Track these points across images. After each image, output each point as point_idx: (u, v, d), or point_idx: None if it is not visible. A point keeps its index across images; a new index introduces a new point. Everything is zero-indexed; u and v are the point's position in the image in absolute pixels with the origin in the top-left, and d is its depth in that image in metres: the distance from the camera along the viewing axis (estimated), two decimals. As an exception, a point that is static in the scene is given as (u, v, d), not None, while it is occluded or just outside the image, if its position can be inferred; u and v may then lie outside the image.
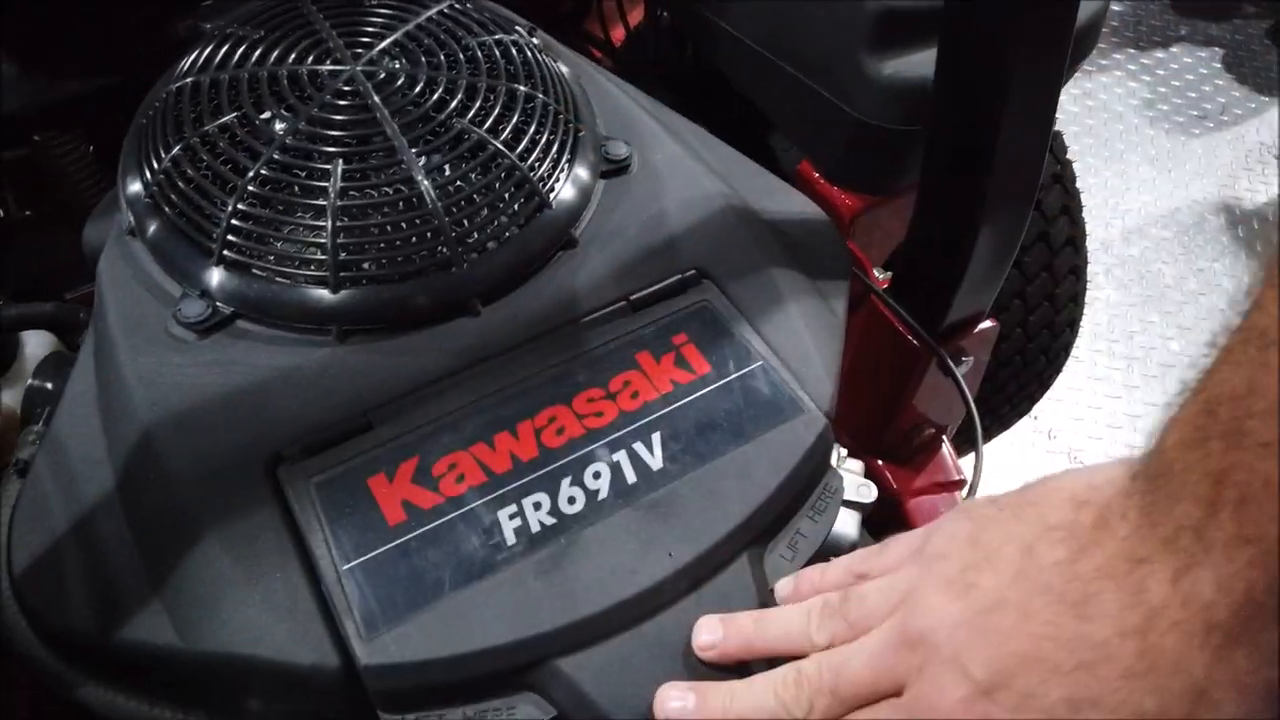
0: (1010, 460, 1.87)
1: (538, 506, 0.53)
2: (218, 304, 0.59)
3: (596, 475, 0.55)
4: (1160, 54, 2.98)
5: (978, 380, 0.99)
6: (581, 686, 0.50)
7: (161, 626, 0.52)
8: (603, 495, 0.54)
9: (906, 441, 1.03)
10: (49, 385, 0.63)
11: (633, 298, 0.62)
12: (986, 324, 0.92)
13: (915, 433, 1.03)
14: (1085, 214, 1.38)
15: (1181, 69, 2.93)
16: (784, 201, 0.75)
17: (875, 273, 0.99)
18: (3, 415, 0.72)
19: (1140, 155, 2.63)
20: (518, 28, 0.70)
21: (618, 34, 1.36)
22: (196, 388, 0.56)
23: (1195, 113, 2.78)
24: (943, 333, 0.89)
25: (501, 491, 0.54)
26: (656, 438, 0.57)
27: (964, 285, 0.83)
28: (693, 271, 0.64)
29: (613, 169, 0.68)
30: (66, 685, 0.53)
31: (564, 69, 0.72)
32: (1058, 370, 1.43)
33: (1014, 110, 0.71)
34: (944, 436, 1.07)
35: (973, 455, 0.87)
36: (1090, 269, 1.41)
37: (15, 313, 0.68)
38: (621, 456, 0.56)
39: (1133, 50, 2.96)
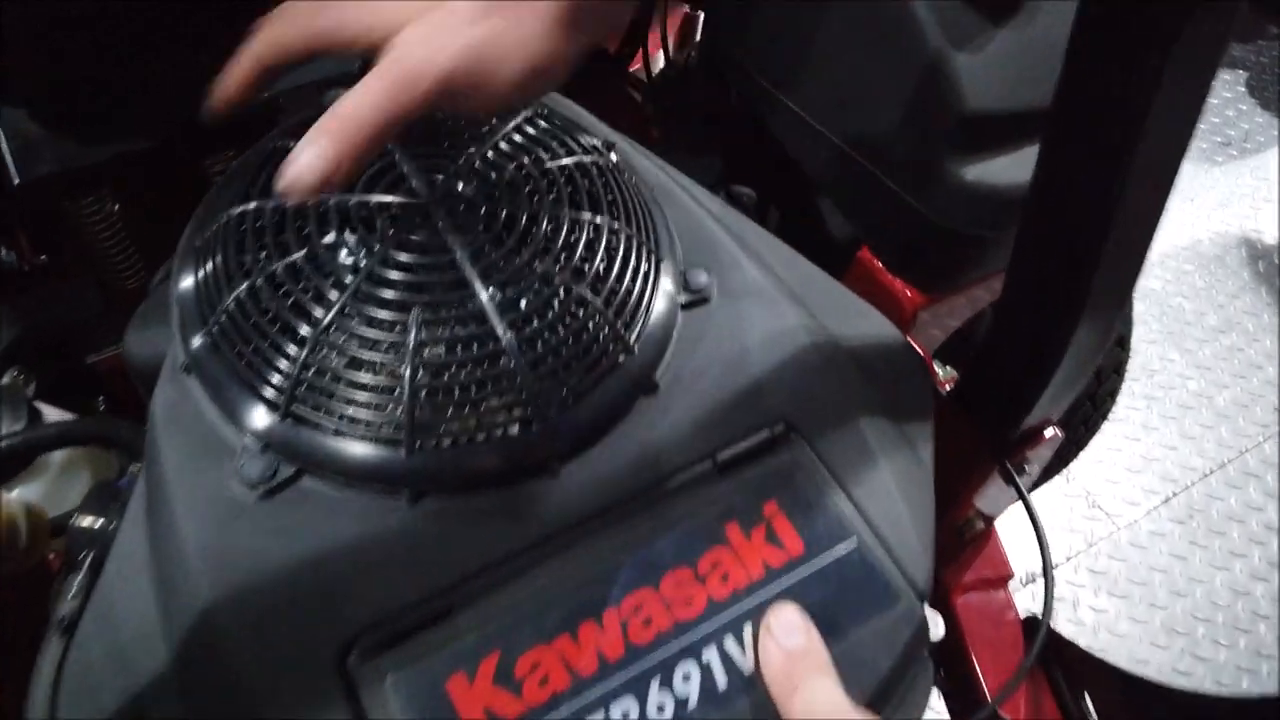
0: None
1: (625, 717, 0.50)
2: (281, 461, 0.55)
3: (686, 678, 0.51)
4: (1185, 75, 2.95)
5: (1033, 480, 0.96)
6: None
7: (222, 836, 0.49)
8: (692, 705, 0.51)
9: (957, 536, 1.00)
10: (95, 526, 0.58)
11: (720, 458, 0.58)
12: (1052, 431, 0.89)
13: (966, 527, 1.00)
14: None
15: (1206, 93, 2.90)
16: (864, 326, 0.71)
17: (935, 367, 0.96)
18: (33, 517, 0.68)
19: (1164, 183, 2.60)
20: (595, 145, 0.66)
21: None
22: (260, 563, 0.52)
23: (1219, 139, 2.74)
24: (1013, 442, 0.86)
25: (587, 700, 0.50)
26: (747, 631, 0.53)
27: (1047, 392, 0.78)
28: (780, 426, 0.60)
29: (693, 300, 0.64)
30: None
31: (641, 187, 0.68)
32: (1094, 435, 1.40)
33: (1131, 199, 0.62)
34: (994, 525, 1.05)
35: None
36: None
37: (55, 432, 0.63)
38: (712, 655, 0.52)
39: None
